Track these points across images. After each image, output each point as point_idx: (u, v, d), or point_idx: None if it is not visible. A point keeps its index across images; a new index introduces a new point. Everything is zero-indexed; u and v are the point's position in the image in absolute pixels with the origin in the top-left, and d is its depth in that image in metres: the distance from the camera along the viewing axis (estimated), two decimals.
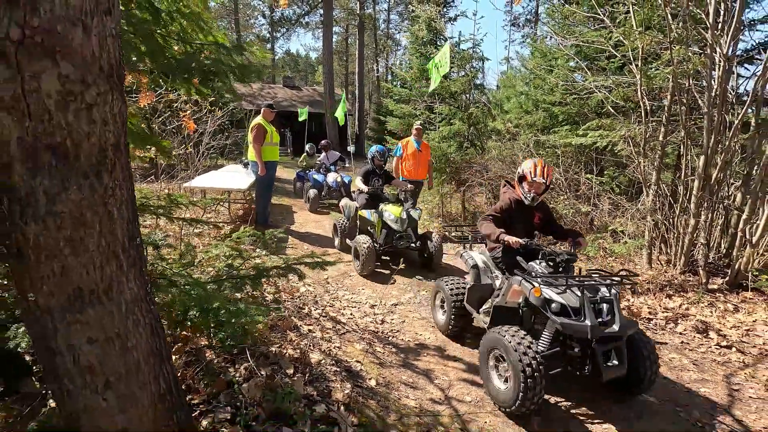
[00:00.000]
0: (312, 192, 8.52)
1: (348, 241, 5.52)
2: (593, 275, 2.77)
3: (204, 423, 1.76)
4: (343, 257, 5.51)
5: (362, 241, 4.89)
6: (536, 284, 2.58)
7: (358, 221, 5.59)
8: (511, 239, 2.84)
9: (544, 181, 3.06)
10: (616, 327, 2.43)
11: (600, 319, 2.47)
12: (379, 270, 5.11)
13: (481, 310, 3.29)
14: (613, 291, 2.58)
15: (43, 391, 1.89)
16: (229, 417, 1.82)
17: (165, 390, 1.38)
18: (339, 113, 11.80)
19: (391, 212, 5.16)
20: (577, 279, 2.62)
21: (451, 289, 3.50)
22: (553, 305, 2.54)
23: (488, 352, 2.69)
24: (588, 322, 2.38)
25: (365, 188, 5.48)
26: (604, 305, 2.52)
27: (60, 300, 1.09)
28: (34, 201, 0.99)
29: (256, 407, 1.90)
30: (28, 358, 2.15)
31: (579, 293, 2.51)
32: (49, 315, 1.09)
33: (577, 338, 2.50)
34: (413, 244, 5.23)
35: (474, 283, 3.38)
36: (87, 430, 1.23)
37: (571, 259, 2.81)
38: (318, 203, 8.56)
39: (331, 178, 8.69)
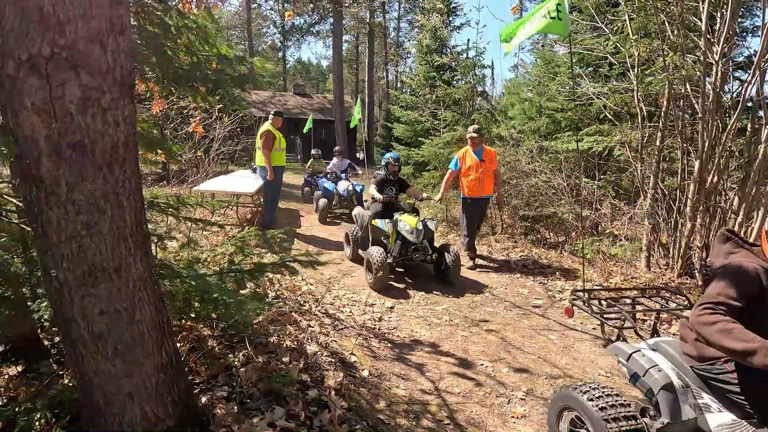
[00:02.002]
0: (322, 201, 7.96)
1: (360, 251, 5.23)
2: None
3: (203, 399, 1.93)
4: (344, 259, 5.67)
5: (375, 252, 4.58)
6: None
7: (370, 231, 5.23)
8: None
9: None
10: None
11: None
12: (391, 283, 4.75)
13: None
14: None
15: (59, 372, 2.09)
16: (225, 395, 1.98)
17: (167, 362, 1.55)
18: (355, 118, 12.07)
19: (406, 222, 4.85)
20: None
21: (608, 417, 1.79)
22: None
23: None
24: None
25: (379, 196, 5.24)
26: None
27: (77, 275, 1.27)
28: (57, 189, 1.19)
29: (252, 387, 2.07)
30: (47, 342, 2.36)
31: None
32: (67, 288, 1.28)
33: None
34: (429, 257, 4.93)
35: (670, 420, 1.72)
36: (98, 393, 1.40)
37: None
38: (328, 213, 7.99)
39: (342, 186, 8.08)
